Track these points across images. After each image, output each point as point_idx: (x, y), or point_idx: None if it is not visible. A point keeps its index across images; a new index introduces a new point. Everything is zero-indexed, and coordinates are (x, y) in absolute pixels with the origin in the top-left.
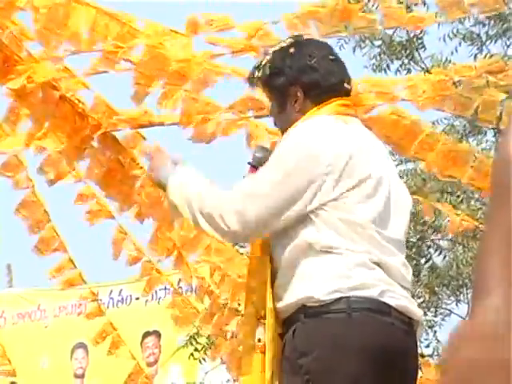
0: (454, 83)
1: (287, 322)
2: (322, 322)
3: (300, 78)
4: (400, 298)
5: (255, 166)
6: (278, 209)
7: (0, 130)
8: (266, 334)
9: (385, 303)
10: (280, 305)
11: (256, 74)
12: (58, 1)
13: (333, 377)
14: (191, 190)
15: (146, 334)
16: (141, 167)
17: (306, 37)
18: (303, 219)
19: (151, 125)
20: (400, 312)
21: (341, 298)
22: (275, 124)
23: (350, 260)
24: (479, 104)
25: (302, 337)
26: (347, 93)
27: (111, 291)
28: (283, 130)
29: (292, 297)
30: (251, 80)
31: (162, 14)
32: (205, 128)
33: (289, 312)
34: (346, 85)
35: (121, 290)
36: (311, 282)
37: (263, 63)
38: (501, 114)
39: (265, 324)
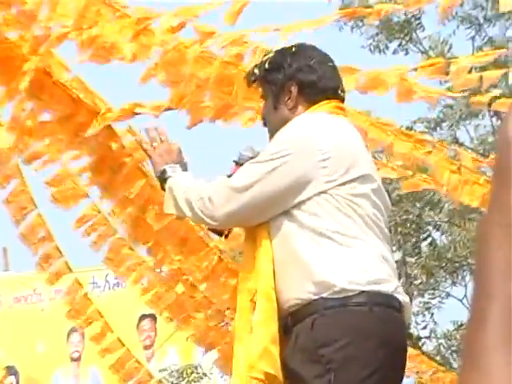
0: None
1: (299, 314)
2: (343, 313)
3: (297, 75)
4: (403, 294)
5: (241, 165)
6: (258, 208)
7: None
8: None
9: (397, 299)
10: (290, 294)
11: (255, 71)
12: None
13: (355, 366)
14: (182, 185)
15: (143, 317)
16: (129, 155)
17: (308, 43)
18: (311, 205)
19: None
20: (405, 308)
21: (361, 292)
22: (265, 124)
23: (367, 253)
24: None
25: (323, 328)
26: (341, 100)
27: (107, 274)
28: (274, 130)
29: (309, 285)
30: (249, 78)
31: None
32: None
33: (300, 304)
34: (340, 92)
35: None
36: (331, 271)
37: (263, 60)
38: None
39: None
